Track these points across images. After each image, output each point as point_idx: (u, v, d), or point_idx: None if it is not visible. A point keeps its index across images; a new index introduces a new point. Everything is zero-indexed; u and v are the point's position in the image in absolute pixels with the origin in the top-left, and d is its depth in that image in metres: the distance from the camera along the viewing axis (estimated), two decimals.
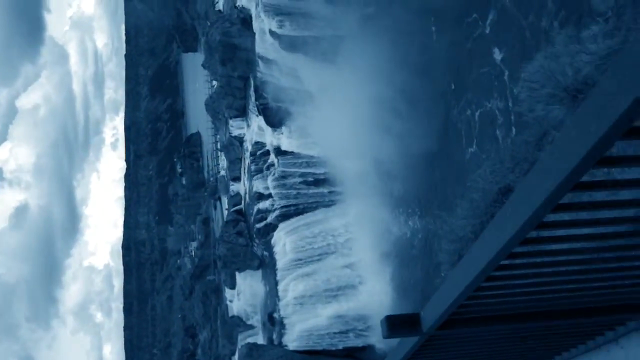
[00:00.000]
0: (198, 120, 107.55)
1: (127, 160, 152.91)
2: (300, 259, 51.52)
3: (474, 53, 31.25)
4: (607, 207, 4.11)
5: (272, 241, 57.32)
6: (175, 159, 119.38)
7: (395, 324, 6.43)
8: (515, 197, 4.36)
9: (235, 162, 71.95)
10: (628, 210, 4.19)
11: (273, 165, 56.06)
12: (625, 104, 2.89)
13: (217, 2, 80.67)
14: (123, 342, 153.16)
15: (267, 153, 58.08)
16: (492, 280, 5.26)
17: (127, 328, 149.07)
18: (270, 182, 55.15)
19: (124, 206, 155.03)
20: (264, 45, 53.03)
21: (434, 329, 6.26)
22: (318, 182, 52.06)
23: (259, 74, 55.29)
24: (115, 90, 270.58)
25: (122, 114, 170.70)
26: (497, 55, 29.15)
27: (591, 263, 5.06)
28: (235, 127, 67.80)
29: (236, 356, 66.18)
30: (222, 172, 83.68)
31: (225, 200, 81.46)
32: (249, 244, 65.35)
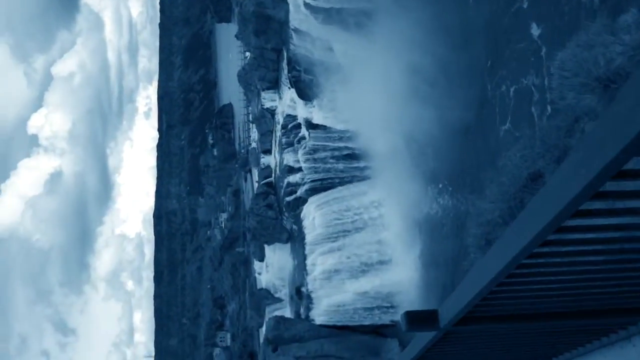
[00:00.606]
0: (230, 91, 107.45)
1: (159, 130, 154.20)
2: (330, 234, 51.25)
3: (511, 27, 30.20)
4: (625, 215, 4.20)
5: (302, 215, 57.17)
6: (207, 130, 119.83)
7: (414, 320, 6.76)
8: (536, 201, 4.42)
9: (266, 134, 71.75)
10: None
11: (304, 138, 55.64)
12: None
13: None
14: (153, 311, 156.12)
15: (299, 126, 57.67)
16: (509, 282, 5.36)
17: (157, 297, 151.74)
18: (300, 155, 54.79)
19: (155, 175, 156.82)
20: (297, 17, 52.26)
21: (451, 325, 6.54)
22: (349, 156, 51.54)
23: (292, 46, 54.63)
24: (149, 59, 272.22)
25: (155, 83, 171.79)
26: (535, 30, 28.10)
27: (607, 269, 5.15)
28: (268, 99, 67.46)
29: (264, 328, 66.67)
30: (253, 144, 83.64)
31: (255, 173, 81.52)
32: (278, 217, 65.37)
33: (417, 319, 6.79)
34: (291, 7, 53.76)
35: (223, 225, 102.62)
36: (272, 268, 69.92)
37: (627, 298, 5.94)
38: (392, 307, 45.38)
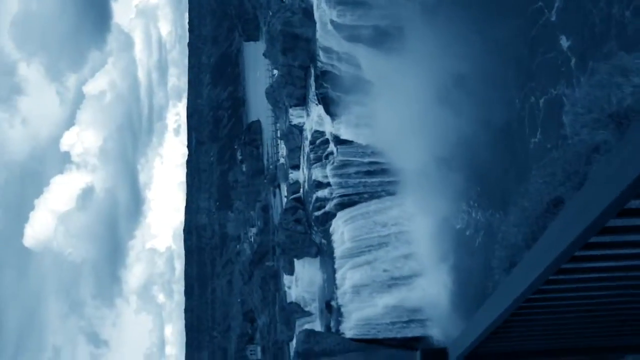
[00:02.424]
0: (258, 108, 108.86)
1: (189, 146, 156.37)
2: (358, 248, 51.75)
3: (538, 40, 30.59)
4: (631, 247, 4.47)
5: (331, 229, 57.77)
6: (235, 146, 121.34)
7: (427, 356, 7.78)
8: (540, 242, 4.80)
9: (294, 150, 72.66)
10: None
11: (332, 154, 56.39)
12: None
13: None
14: (184, 324, 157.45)
15: (327, 142, 58.43)
16: (514, 319, 5.83)
17: (187, 310, 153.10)
18: (329, 170, 55.53)
19: (185, 191, 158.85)
20: (324, 35, 53.22)
21: None
22: (377, 171, 52.10)
23: (319, 64, 55.58)
24: (178, 78, 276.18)
25: (184, 101, 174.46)
26: (564, 42, 28.44)
27: (612, 303, 5.52)
28: (295, 115, 68.39)
29: (294, 342, 67.18)
30: (282, 160, 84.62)
31: (284, 188, 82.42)
32: (307, 232, 66.06)
33: (430, 356, 7.70)
34: (318, 25, 54.77)
35: (252, 240, 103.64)
36: (301, 282, 70.53)
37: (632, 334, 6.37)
38: (421, 320, 45.66)
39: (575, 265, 4.57)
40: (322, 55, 54.95)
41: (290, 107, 68.27)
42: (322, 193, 58.83)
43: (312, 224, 63.77)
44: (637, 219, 4.06)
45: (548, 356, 6.80)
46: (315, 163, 60.51)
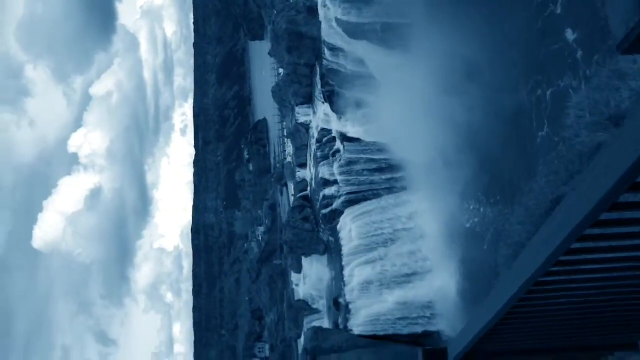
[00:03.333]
0: (265, 107, 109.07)
1: (195, 146, 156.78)
2: (366, 245, 51.85)
3: (544, 33, 30.55)
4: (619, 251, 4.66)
5: (338, 227, 57.88)
6: (242, 146, 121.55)
7: (429, 356, 8.36)
8: (529, 246, 5.08)
9: (301, 148, 72.82)
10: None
11: (339, 151, 56.51)
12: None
13: None
14: (192, 323, 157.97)
15: (333, 140, 58.56)
16: (508, 319, 6.12)
17: (196, 309, 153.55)
18: (336, 168, 55.65)
19: (193, 191, 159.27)
20: (330, 33, 53.33)
21: None
22: (384, 169, 52.16)
23: (325, 62, 55.69)
24: (184, 78, 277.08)
25: (191, 101, 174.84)
26: (570, 35, 28.38)
27: (602, 302, 5.75)
28: (302, 114, 68.55)
29: (302, 339, 67.39)
30: (289, 159, 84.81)
31: (291, 186, 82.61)
32: (315, 230, 66.22)
33: (431, 356, 8.26)
34: (323, 24, 54.90)
35: (260, 239, 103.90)
36: (309, 280, 70.71)
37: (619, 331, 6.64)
38: (430, 317, 45.72)
39: (561, 268, 4.75)
40: (327, 53, 55.06)
41: (297, 105, 68.44)
42: (330, 191, 58.97)
43: (320, 221, 63.92)
44: (617, 228, 4.21)
45: (542, 354, 7.16)
46: (323, 161, 60.65)
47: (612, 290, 5.35)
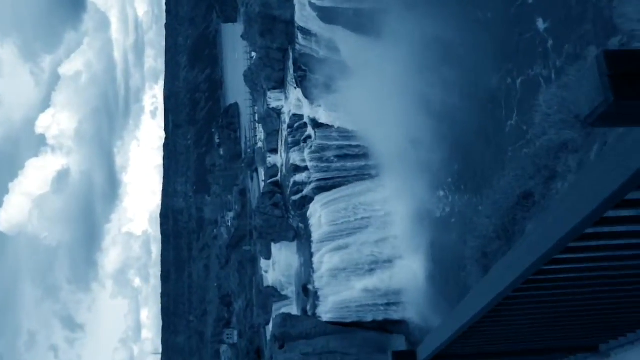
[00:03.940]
0: (236, 91, 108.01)
1: (166, 129, 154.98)
2: (336, 232, 51.75)
3: (516, 22, 30.55)
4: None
5: (308, 213, 57.67)
6: (213, 130, 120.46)
7: (398, 358, 8.48)
8: (500, 262, 5.02)
9: (272, 134, 72.26)
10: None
11: (310, 137, 56.14)
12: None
13: None
14: (160, 308, 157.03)
15: (305, 125, 58.14)
16: (481, 324, 6.01)
17: (164, 295, 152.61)
18: (307, 154, 55.30)
19: (162, 175, 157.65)
20: (303, 17, 52.73)
21: None
22: (355, 155, 52.01)
23: (298, 46, 55.10)
24: (155, 59, 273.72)
25: (161, 83, 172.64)
26: (541, 24, 28.41)
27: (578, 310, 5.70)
28: (274, 99, 67.92)
29: (271, 325, 67.27)
30: (260, 144, 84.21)
31: (262, 172, 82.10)
32: (284, 216, 65.91)
33: (399, 358, 8.41)
34: (297, 8, 54.24)
35: (230, 224, 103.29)
36: (278, 266, 70.50)
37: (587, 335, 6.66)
38: (398, 303, 45.90)
39: (542, 276, 4.70)
40: (300, 38, 54.47)
41: (269, 90, 67.75)
42: (300, 177, 58.61)
43: (290, 208, 63.61)
44: (611, 226, 4.11)
45: (514, 357, 7.21)
46: (293, 147, 60.22)
47: (585, 302, 5.48)
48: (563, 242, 4.17)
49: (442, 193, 39.01)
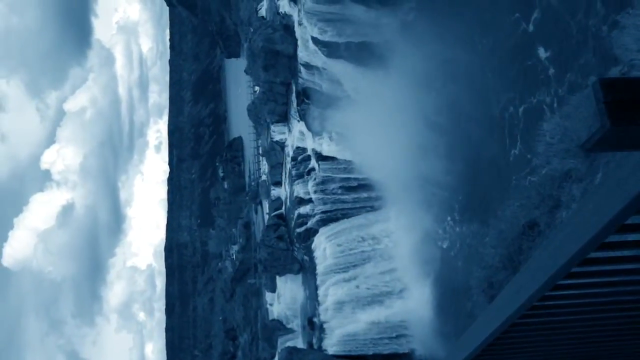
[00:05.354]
0: (240, 125, 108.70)
1: (170, 163, 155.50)
2: (341, 264, 51.56)
3: (517, 52, 30.87)
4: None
5: (313, 246, 57.54)
6: (217, 163, 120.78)
7: None
8: (505, 291, 5.13)
9: (276, 166, 72.51)
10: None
11: (314, 170, 56.32)
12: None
13: (260, 9, 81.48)
14: (165, 342, 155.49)
15: (308, 158, 58.38)
16: (494, 345, 5.94)
17: (168, 329, 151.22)
18: (311, 187, 55.42)
19: (166, 209, 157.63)
20: (306, 52, 53.42)
21: None
22: (359, 187, 52.09)
23: (300, 80, 55.69)
24: (159, 94, 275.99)
25: (166, 117, 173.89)
26: (542, 53, 28.69)
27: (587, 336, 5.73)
28: (277, 132, 68.34)
29: (276, 359, 66.56)
30: (264, 177, 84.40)
31: (266, 205, 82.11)
32: (289, 248, 65.74)
33: None
34: (299, 42, 54.98)
35: (234, 257, 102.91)
36: (283, 299, 70.04)
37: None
38: (404, 336, 45.49)
39: (547, 302, 4.77)
40: (303, 72, 55.09)
41: (272, 123, 68.20)
42: (304, 209, 58.64)
43: (294, 240, 63.48)
44: (619, 251, 4.14)
45: None
46: (297, 179, 60.39)
47: (591, 327, 5.52)
48: (566, 267, 4.21)
49: (446, 224, 38.96)
